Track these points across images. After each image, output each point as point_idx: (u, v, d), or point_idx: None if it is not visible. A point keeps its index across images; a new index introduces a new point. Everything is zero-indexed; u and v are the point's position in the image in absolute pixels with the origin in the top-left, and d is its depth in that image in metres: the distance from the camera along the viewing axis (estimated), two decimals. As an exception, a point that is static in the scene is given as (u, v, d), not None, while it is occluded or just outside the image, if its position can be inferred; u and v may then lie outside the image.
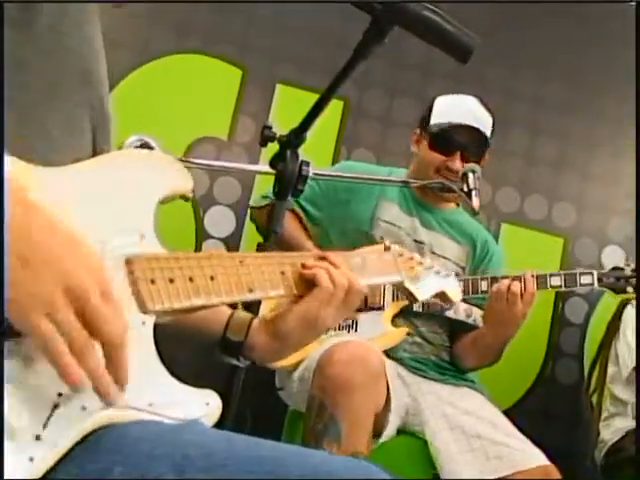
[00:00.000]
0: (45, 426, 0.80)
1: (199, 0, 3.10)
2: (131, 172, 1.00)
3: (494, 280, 2.43)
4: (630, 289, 2.45)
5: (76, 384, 0.76)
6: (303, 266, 1.17)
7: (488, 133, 2.57)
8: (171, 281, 0.97)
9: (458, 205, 2.73)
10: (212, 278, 1.03)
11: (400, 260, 1.44)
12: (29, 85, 0.94)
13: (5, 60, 0.88)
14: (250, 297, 1.10)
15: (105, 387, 0.80)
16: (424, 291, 1.48)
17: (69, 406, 0.83)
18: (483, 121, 2.56)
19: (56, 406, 0.81)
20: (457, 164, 2.48)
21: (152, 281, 0.95)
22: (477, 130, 2.53)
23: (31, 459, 0.78)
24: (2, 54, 0.89)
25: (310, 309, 1.17)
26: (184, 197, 1.07)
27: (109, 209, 0.90)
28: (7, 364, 0.78)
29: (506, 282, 2.37)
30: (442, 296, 1.58)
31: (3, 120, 0.85)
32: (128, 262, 0.94)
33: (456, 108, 2.59)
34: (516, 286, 2.35)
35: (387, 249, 1.42)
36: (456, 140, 2.52)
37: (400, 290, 1.48)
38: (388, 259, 1.41)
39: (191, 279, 1.00)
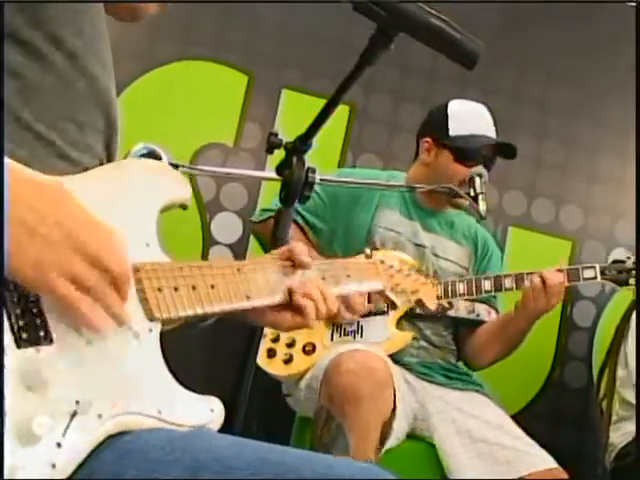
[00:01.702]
0: (65, 433, 0.83)
1: (207, 0, 3.09)
2: (132, 182, 1.02)
3: (497, 279, 2.46)
4: (632, 280, 2.48)
5: (100, 329, 0.85)
6: (289, 291, 1.20)
7: (516, 150, 2.60)
8: (176, 289, 1.00)
9: None
10: (213, 287, 1.06)
11: (381, 268, 1.47)
12: (46, 110, 0.96)
13: (25, 89, 0.91)
14: (248, 304, 1.13)
15: (121, 317, 0.88)
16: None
17: (86, 414, 0.85)
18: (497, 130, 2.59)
19: (74, 414, 0.84)
20: (485, 174, 2.48)
21: (159, 289, 0.98)
22: (501, 142, 2.57)
23: (53, 465, 0.81)
24: (2, 56, 0.90)
25: (285, 326, 1.23)
26: (183, 206, 1.09)
27: (114, 218, 0.91)
28: (27, 372, 0.81)
29: (536, 278, 2.40)
30: (419, 302, 1.60)
31: (3, 121, 0.86)
32: (135, 270, 0.96)
33: (476, 117, 2.59)
34: (551, 277, 2.39)
35: (369, 257, 1.45)
36: (486, 153, 2.53)
37: (382, 297, 1.50)
38: (370, 267, 1.45)
39: (194, 287, 1.03)
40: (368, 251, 1.48)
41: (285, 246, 1.25)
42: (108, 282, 0.85)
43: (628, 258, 2.51)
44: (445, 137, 2.57)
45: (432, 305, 1.63)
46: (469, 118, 2.58)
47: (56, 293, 0.81)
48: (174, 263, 1.02)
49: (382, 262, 1.48)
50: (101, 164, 1.05)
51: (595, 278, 2.48)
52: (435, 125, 2.62)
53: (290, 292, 1.19)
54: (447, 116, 2.59)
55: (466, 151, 2.53)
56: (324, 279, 1.26)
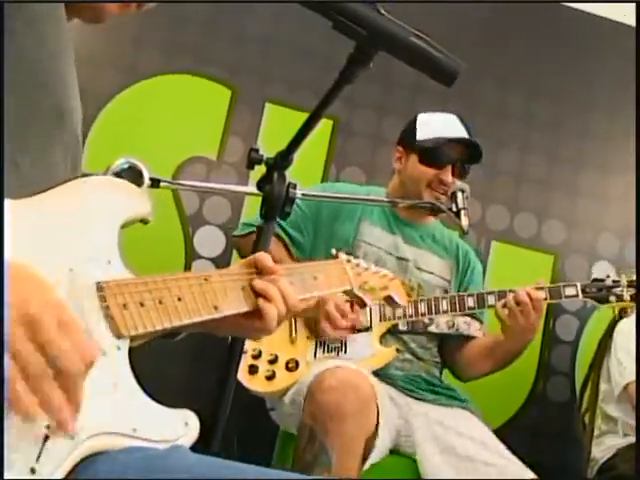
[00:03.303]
0: (38, 458, 0.81)
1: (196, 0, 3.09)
2: (92, 199, 1.02)
3: (480, 296, 2.48)
4: (612, 298, 2.51)
5: (26, 414, 0.76)
6: (252, 287, 1.19)
7: (481, 147, 2.58)
8: (142, 304, 0.99)
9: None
10: (179, 299, 1.05)
11: (348, 267, 1.48)
12: (8, 127, 0.94)
13: None
14: (216, 314, 1.11)
15: (58, 415, 0.79)
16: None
17: (58, 437, 0.84)
18: (471, 134, 2.58)
19: (46, 438, 0.82)
20: (449, 177, 2.51)
21: (124, 306, 0.96)
22: (467, 143, 2.56)
23: None
24: (2, 55, 0.89)
25: (248, 329, 1.21)
26: (144, 221, 1.08)
27: (75, 237, 0.91)
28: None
29: (511, 296, 2.41)
30: (389, 300, 1.60)
31: (3, 120, 0.85)
32: (99, 288, 0.95)
33: (442, 123, 2.61)
34: (523, 295, 2.40)
35: (335, 257, 1.46)
36: (449, 154, 2.54)
37: (350, 297, 1.51)
38: (337, 267, 1.45)
39: (160, 301, 1.02)
40: (334, 251, 1.48)
41: (250, 256, 1.24)
42: (53, 376, 0.79)
43: (607, 277, 2.54)
44: (412, 143, 2.61)
45: (402, 301, 1.63)
46: (435, 124, 2.61)
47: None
48: (138, 278, 1.01)
49: (349, 261, 1.49)
50: (66, 181, 1.04)
51: (577, 296, 2.52)
52: (405, 134, 2.67)
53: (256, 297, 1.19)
54: (415, 125, 2.63)
55: (429, 152, 2.55)
56: (292, 284, 1.25)
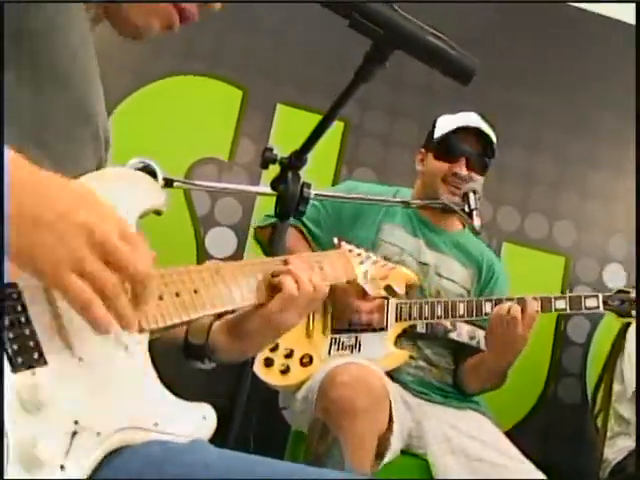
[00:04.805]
0: (67, 455, 0.82)
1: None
2: (110, 191, 1.01)
3: (498, 302, 2.39)
4: (634, 312, 2.35)
5: (107, 332, 0.80)
6: (272, 274, 1.19)
7: (492, 137, 2.57)
8: (160, 298, 0.99)
9: (464, 226, 2.71)
10: (195, 291, 1.05)
11: (351, 256, 1.48)
12: (22, 123, 0.94)
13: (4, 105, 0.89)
14: (230, 307, 1.12)
15: (131, 323, 0.83)
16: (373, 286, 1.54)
17: (85, 433, 0.85)
18: (486, 126, 2.57)
19: (74, 434, 0.84)
20: (463, 169, 2.51)
21: None
22: (479, 133, 2.55)
23: None
24: (2, 54, 0.90)
25: (272, 311, 1.19)
26: (157, 212, 1.09)
27: None
28: (25, 395, 0.80)
29: (506, 305, 2.34)
30: (388, 289, 1.60)
31: (3, 119, 0.85)
32: None
33: (458, 117, 2.61)
34: (516, 309, 2.31)
35: (338, 247, 1.46)
36: (459, 145, 2.54)
37: (353, 286, 1.51)
38: (343, 258, 1.45)
39: (177, 294, 1.02)
40: (336, 241, 1.48)
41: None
42: (123, 282, 0.82)
43: (634, 288, 2.39)
44: (430, 143, 2.62)
45: (401, 290, 1.63)
46: (451, 121, 2.61)
47: (69, 294, 0.79)
48: (156, 271, 1.00)
49: (350, 251, 1.49)
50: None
51: (598, 307, 2.36)
52: (426, 138, 2.68)
53: (272, 275, 1.19)
54: (435, 126, 2.64)
55: (441, 145, 2.56)
56: None
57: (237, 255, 3.08)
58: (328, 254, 1.42)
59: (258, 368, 2.35)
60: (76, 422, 0.84)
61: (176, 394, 1.00)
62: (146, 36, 1.11)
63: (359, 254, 1.52)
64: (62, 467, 0.81)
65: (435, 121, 2.67)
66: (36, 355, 0.83)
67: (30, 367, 0.82)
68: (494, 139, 2.58)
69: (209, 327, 1.23)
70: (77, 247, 0.78)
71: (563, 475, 2.34)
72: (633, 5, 3.37)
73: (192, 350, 1.24)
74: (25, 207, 0.76)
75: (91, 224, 0.79)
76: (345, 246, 1.50)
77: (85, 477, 0.84)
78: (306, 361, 2.39)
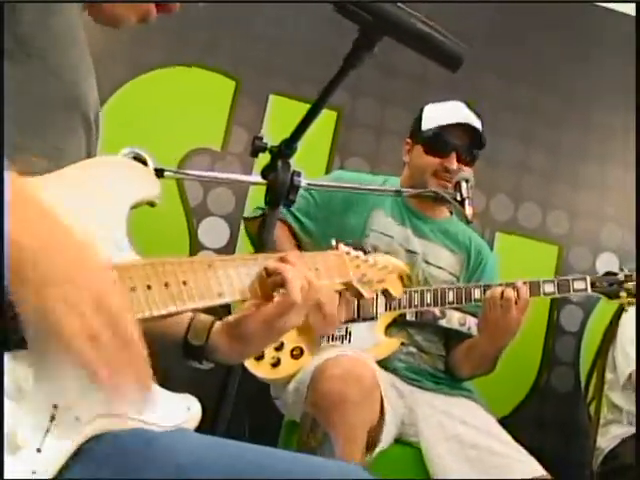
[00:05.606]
0: (44, 439, 0.82)
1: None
2: (102, 180, 1.01)
3: (487, 288, 2.41)
4: (623, 294, 2.39)
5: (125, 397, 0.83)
6: (266, 270, 1.17)
7: (480, 129, 2.57)
8: (149, 288, 0.98)
9: (452, 213, 2.72)
10: (185, 283, 1.04)
11: (348, 259, 1.46)
12: (13, 116, 0.93)
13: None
14: (220, 301, 1.10)
15: (146, 384, 0.86)
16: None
17: (64, 417, 0.84)
18: (473, 118, 2.57)
19: (52, 418, 0.83)
20: (454, 164, 2.50)
21: (133, 289, 0.96)
22: (470, 128, 2.55)
23: (34, 472, 0.80)
24: (2, 56, 0.90)
25: (272, 314, 1.17)
26: (151, 203, 1.08)
27: (86, 218, 0.91)
28: (5, 380, 0.80)
29: (499, 289, 2.35)
30: (385, 292, 1.60)
31: (3, 121, 0.85)
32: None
33: (445, 111, 2.61)
34: (509, 292, 2.33)
35: (335, 249, 1.45)
36: (451, 141, 2.53)
37: (349, 289, 1.50)
38: (338, 259, 1.43)
39: (166, 285, 1.01)
40: (334, 242, 1.48)
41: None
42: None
43: (621, 270, 2.43)
44: (418, 134, 2.61)
45: (398, 294, 1.63)
46: (439, 112, 2.61)
47: (81, 358, 0.80)
48: (146, 260, 1.00)
49: (348, 253, 1.48)
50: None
51: (586, 290, 2.40)
52: (413, 127, 2.67)
53: (267, 270, 1.17)
54: (421, 116, 2.63)
55: (432, 141, 2.55)
56: None
57: (230, 245, 3.08)
58: (324, 255, 1.40)
59: (248, 361, 2.33)
60: (55, 406, 0.83)
61: (165, 386, 0.99)
62: (121, 25, 1.11)
63: (357, 256, 1.51)
64: (38, 450, 0.81)
65: (421, 111, 2.65)
66: (17, 338, 0.82)
67: (10, 349, 0.81)
68: (480, 128, 2.58)
69: (210, 327, 1.23)
70: (89, 314, 0.80)
71: (556, 463, 2.34)
72: (633, 6, 3.38)
73: (190, 350, 1.22)
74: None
75: (104, 293, 0.81)
76: (343, 248, 1.49)
77: (63, 460, 0.84)
78: (297, 353, 2.39)
